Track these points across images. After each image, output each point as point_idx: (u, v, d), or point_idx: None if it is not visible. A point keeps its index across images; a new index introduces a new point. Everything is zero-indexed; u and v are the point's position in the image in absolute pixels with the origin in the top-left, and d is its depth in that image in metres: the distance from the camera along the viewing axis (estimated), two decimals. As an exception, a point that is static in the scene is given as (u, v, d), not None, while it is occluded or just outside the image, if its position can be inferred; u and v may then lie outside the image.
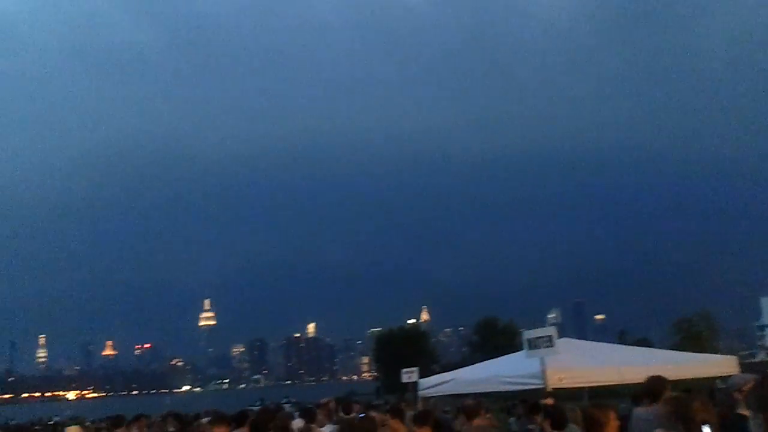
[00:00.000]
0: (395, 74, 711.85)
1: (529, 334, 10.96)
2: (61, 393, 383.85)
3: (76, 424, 11.05)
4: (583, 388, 13.15)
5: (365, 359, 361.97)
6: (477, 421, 9.51)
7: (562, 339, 12.19)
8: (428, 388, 15.23)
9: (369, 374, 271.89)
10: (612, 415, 5.84)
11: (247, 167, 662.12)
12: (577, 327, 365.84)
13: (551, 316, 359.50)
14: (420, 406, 14.49)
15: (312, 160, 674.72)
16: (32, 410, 75.78)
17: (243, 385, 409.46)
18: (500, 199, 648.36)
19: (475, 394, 14.91)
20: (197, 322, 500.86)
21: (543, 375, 10.37)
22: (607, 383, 11.67)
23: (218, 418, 8.59)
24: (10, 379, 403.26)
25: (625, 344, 37.47)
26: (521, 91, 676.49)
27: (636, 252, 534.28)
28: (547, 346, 10.31)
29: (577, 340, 16.05)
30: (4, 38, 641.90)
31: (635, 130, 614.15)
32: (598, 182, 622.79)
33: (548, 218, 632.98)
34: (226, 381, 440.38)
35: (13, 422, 31.70)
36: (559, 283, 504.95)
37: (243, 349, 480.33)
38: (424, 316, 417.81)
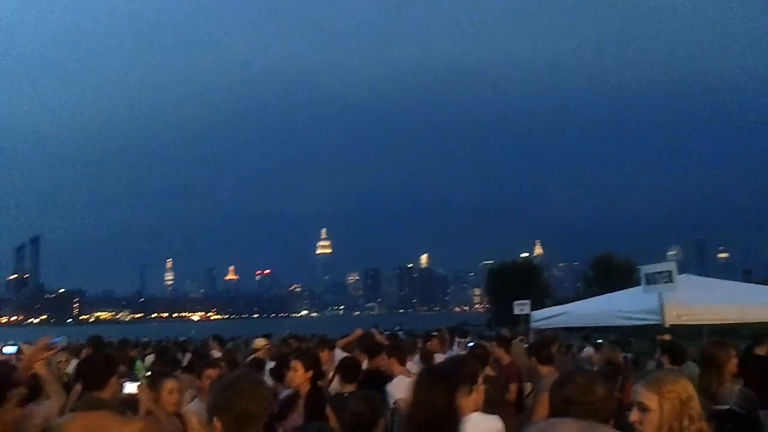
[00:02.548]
0: (509, 3, 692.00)
1: (647, 268, 10.70)
2: (186, 314, 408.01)
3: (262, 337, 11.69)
4: (702, 325, 12.79)
5: (477, 291, 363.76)
6: None
7: (682, 275, 11.80)
8: (541, 320, 15.19)
9: (480, 306, 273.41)
10: (732, 353, 5.72)
11: (363, 98, 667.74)
12: (699, 265, 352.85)
13: (671, 253, 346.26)
14: (531, 337, 14.55)
15: (428, 90, 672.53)
16: (161, 329, 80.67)
17: (357, 312, 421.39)
18: (619, 129, 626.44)
19: (588, 327, 14.78)
20: (314, 251, 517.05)
21: (661, 311, 10.14)
22: (727, 321, 11.27)
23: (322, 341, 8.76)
24: (140, 300, 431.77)
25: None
26: (640, 17, 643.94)
27: (764, 186, 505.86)
28: (666, 282, 10.07)
29: (698, 277, 15.46)
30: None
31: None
32: (725, 110, 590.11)
33: (669, 149, 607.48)
34: (342, 307, 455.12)
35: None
36: (680, 218, 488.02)
37: (357, 278, 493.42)
38: (538, 250, 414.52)
